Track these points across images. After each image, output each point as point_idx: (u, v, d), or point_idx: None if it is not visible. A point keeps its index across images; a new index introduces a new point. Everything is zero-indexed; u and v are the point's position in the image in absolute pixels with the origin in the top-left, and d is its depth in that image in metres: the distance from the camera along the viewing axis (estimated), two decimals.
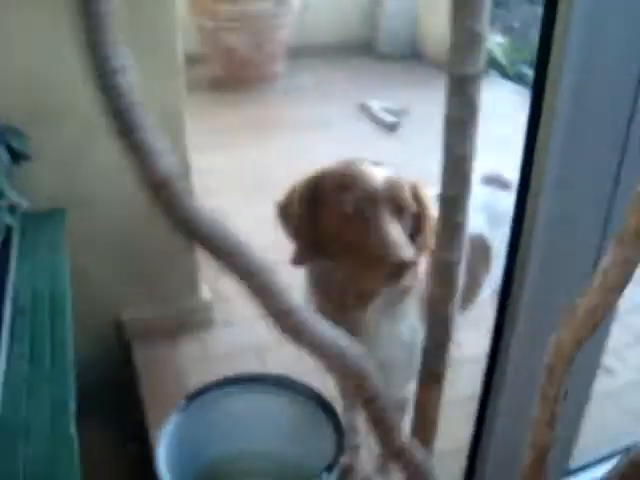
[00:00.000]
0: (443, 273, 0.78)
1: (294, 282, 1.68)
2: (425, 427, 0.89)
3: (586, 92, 0.92)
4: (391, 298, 1.42)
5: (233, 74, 5.51)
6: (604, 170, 1.04)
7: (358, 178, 1.32)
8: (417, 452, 0.74)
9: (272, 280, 0.57)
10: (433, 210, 1.35)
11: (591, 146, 1.01)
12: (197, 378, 2.17)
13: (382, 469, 1.83)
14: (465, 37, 0.62)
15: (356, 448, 1.92)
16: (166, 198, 0.48)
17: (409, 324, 1.47)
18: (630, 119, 1.00)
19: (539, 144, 0.98)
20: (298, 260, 1.41)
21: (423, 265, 1.39)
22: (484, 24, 0.63)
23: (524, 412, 0.85)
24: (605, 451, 1.56)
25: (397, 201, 1.30)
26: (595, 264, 1.11)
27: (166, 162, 0.47)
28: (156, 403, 2.09)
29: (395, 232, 1.25)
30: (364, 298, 1.40)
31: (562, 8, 0.84)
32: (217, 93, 5.51)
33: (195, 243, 0.52)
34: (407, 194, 1.33)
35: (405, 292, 1.41)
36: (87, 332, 2.21)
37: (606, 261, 0.59)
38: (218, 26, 5.26)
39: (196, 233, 0.51)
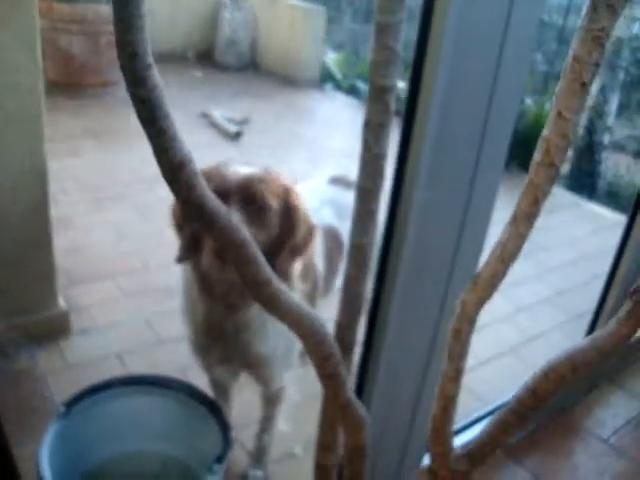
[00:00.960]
0: (358, 255, 0.89)
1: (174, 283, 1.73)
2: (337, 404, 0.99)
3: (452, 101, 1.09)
4: None
5: (70, 79, 5.31)
6: (463, 173, 1.22)
7: (216, 173, 1.37)
8: (360, 405, 0.84)
9: (256, 253, 0.65)
10: (304, 213, 1.43)
11: (453, 150, 1.18)
12: (59, 388, 2.13)
13: (257, 464, 1.90)
14: (386, 54, 0.74)
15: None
16: (184, 179, 0.54)
17: None
18: (483, 133, 1.18)
19: (413, 144, 1.12)
20: (181, 257, 1.44)
21: (298, 264, 1.50)
22: (399, 44, 0.75)
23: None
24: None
25: (250, 195, 1.33)
26: (454, 254, 1.29)
27: (184, 147, 0.54)
28: (19, 417, 2.01)
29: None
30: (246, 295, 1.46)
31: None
32: (53, 98, 5.26)
33: (201, 219, 0.59)
34: (268, 191, 1.35)
35: (290, 286, 1.49)
36: None
37: (503, 236, 0.74)
38: (53, 27, 5.05)
39: (204, 211, 0.57)
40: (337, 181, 2.12)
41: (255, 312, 1.47)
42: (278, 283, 0.69)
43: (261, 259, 0.66)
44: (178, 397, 1.61)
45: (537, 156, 0.68)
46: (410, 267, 1.18)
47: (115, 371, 2.27)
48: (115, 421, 1.61)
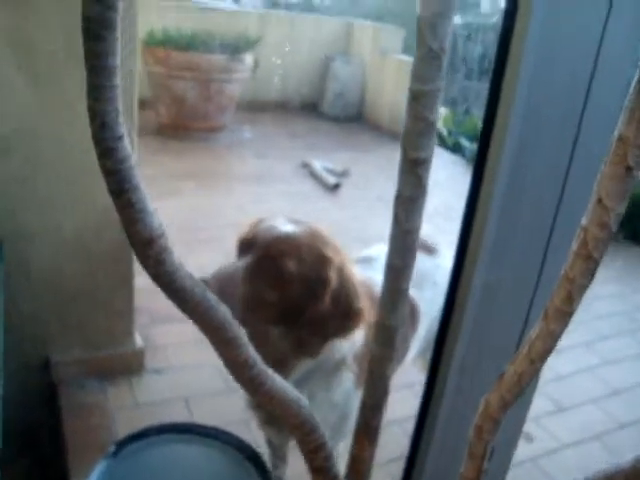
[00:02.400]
0: (384, 336, 0.83)
1: None
2: (359, 479, 0.93)
3: (522, 171, 1.02)
4: (326, 370, 1.46)
5: (180, 122, 5.57)
6: (535, 248, 1.14)
7: (252, 225, 1.36)
8: None
9: (237, 335, 0.61)
10: (347, 292, 1.35)
11: (523, 223, 1.10)
12: (125, 425, 2.16)
13: None
14: (420, 125, 0.70)
15: None
16: (153, 254, 0.51)
17: (343, 390, 1.50)
18: (559, 201, 1.10)
19: (477, 216, 1.06)
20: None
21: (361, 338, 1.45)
22: (437, 114, 0.70)
23: (451, 473, 0.90)
24: None
25: (270, 254, 1.29)
26: (521, 335, 1.20)
27: (154, 221, 0.51)
28: (80, 449, 2.04)
29: (228, 266, 1.27)
30: (280, 365, 1.38)
31: (505, 94, 0.94)
32: (162, 139, 5.55)
33: (172, 297, 0.56)
34: (292, 254, 1.29)
35: (340, 363, 1.46)
36: (13, 369, 2.18)
37: (532, 333, 0.66)
38: (169, 74, 5.33)
39: (174, 288, 0.55)
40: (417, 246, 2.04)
41: (298, 377, 1.42)
42: (262, 366, 0.64)
43: (243, 340, 0.62)
44: (225, 449, 1.58)
45: (574, 247, 0.61)
46: (464, 362, 1.10)
47: (180, 414, 2.28)
48: (162, 467, 1.59)
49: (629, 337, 3.39)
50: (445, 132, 6.68)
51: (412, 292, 1.80)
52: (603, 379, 2.93)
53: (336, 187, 4.92)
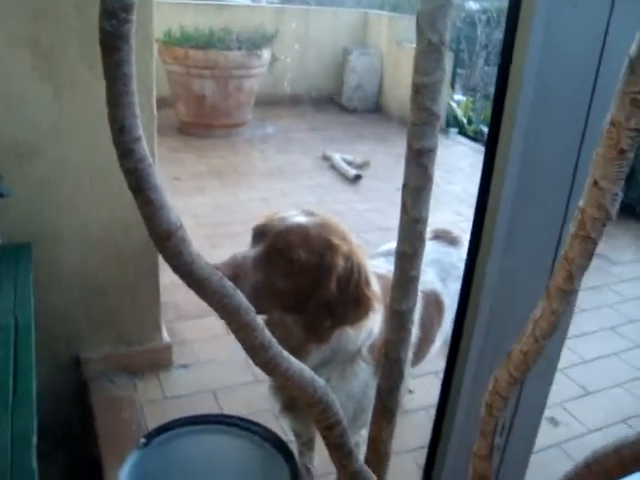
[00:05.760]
0: (397, 321, 0.86)
1: None
2: (378, 460, 0.96)
3: (533, 157, 1.04)
4: (342, 361, 1.49)
5: (200, 120, 5.62)
6: (549, 231, 1.15)
7: (267, 217, 1.40)
8: (371, 477, 0.81)
9: (252, 318, 0.64)
10: (358, 278, 1.37)
11: (537, 207, 1.12)
12: (154, 418, 2.21)
13: None
14: (424, 116, 0.72)
15: None
16: (172, 246, 0.55)
17: (361, 380, 1.52)
18: (572, 184, 1.11)
19: (490, 205, 1.08)
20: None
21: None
22: (440, 105, 0.73)
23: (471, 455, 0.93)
24: None
25: (279, 244, 1.33)
26: None
27: (172, 215, 0.55)
28: (112, 442, 2.10)
29: (239, 255, 1.31)
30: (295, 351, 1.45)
31: (512, 80, 0.97)
32: (184, 138, 5.61)
33: (191, 285, 0.60)
34: (301, 243, 1.33)
35: (356, 354, 1.48)
36: (46, 367, 2.24)
37: (536, 312, 0.69)
38: (187, 72, 5.38)
39: (193, 277, 0.58)
40: (440, 237, 2.03)
41: (315, 367, 1.44)
42: (278, 349, 0.67)
43: (258, 323, 0.65)
44: (253, 439, 1.62)
45: (572, 228, 0.63)
46: (482, 345, 1.13)
47: (208, 407, 2.32)
48: (191, 457, 1.64)
49: None
50: (465, 120, 6.65)
51: (437, 286, 1.83)
52: (630, 362, 2.91)
53: (357, 178, 4.95)
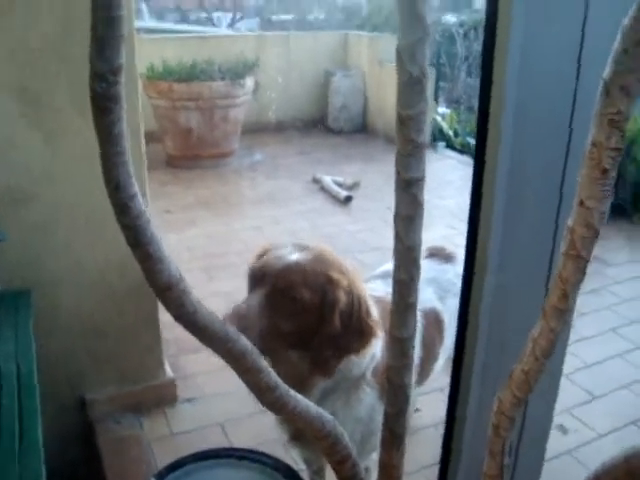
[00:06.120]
0: (398, 348, 0.87)
1: None
2: None
3: (520, 173, 1.05)
4: (346, 387, 1.49)
5: (188, 152, 5.65)
6: (542, 245, 1.17)
7: (261, 257, 1.41)
8: None
9: (257, 361, 0.65)
10: (359, 309, 1.38)
11: (528, 222, 1.13)
12: (163, 456, 2.19)
13: None
14: (409, 148, 0.74)
15: None
16: (173, 298, 0.56)
17: (367, 404, 1.53)
18: (560, 198, 1.13)
19: (482, 223, 1.10)
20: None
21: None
22: (425, 135, 0.75)
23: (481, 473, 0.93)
24: None
25: (282, 284, 1.33)
26: None
27: (172, 267, 0.56)
28: None
29: (243, 303, 1.31)
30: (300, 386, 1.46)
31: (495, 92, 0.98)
32: (172, 170, 5.63)
33: (194, 334, 0.61)
34: (303, 282, 1.33)
35: (360, 379, 1.49)
36: (51, 411, 2.23)
37: (534, 332, 0.70)
38: (172, 105, 5.42)
39: (196, 326, 0.59)
40: (435, 254, 2.04)
41: (320, 397, 1.45)
42: (284, 389, 0.68)
43: (263, 365, 0.66)
44: (265, 471, 1.61)
45: (563, 247, 0.65)
46: (484, 360, 1.14)
47: (217, 440, 2.31)
48: None
49: None
50: (451, 133, 6.70)
51: (436, 305, 1.84)
52: (634, 363, 2.92)
53: (348, 200, 4.97)
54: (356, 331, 1.38)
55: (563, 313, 0.66)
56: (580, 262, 0.64)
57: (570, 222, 0.64)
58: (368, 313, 1.39)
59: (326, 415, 0.76)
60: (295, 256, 1.38)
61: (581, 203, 0.62)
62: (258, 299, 1.31)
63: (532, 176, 1.11)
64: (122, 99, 0.51)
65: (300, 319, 1.34)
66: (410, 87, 0.72)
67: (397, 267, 0.83)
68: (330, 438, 0.75)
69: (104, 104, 0.50)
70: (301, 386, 1.43)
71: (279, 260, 1.37)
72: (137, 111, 2.09)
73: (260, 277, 1.36)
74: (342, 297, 1.35)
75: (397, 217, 0.80)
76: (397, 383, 0.89)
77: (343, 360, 1.41)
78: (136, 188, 0.54)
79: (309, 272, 1.35)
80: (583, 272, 0.64)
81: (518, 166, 1.06)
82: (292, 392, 0.71)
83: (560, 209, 1.13)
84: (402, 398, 0.91)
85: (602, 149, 0.60)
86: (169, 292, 0.56)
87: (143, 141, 2.15)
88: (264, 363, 0.67)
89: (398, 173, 0.76)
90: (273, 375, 0.68)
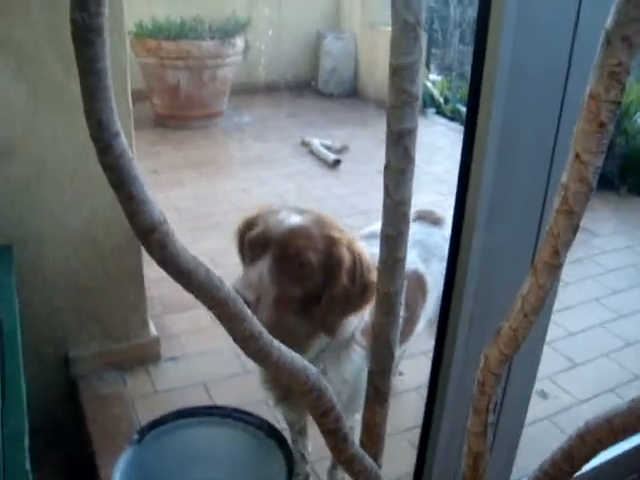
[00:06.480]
0: (386, 303, 0.86)
1: None
2: (373, 443, 0.97)
3: (513, 133, 1.04)
4: (337, 347, 1.49)
5: (176, 112, 5.57)
6: (531, 207, 1.16)
7: (262, 219, 1.38)
8: (367, 460, 0.81)
9: (241, 309, 0.64)
10: (361, 268, 1.38)
11: (519, 184, 1.12)
12: (146, 413, 2.20)
13: None
14: (402, 97, 0.72)
15: (306, 476, 1.98)
16: (156, 241, 0.55)
17: (354, 366, 1.53)
18: (552, 159, 1.11)
19: (471, 183, 1.08)
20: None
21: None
22: (419, 86, 0.73)
23: (464, 433, 0.93)
24: None
25: (288, 249, 1.31)
26: None
27: (154, 210, 0.54)
28: (104, 440, 2.09)
29: (252, 273, 1.28)
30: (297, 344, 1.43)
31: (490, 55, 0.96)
32: (160, 130, 5.56)
33: (178, 279, 0.59)
34: (309, 245, 1.32)
35: (350, 339, 1.49)
36: (34, 368, 2.23)
37: (523, 288, 0.69)
38: (161, 64, 5.32)
39: (179, 271, 0.58)
40: (423, 217, 2.04)
41: (312, 356, 1.45)
42: (268, 338, 0.67)
43: (247, 314, 0.65)
44: (247, 429, 1.62)
45: (555, 203, 0.63)
46: (470, 322, 1.13)
47: (200, 399, 2.32)
48: (186, 450, 1.64)
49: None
50: (442, 100, 6.65)
51: (419, 267, 1.84)
52: (615, 333, 2.95)
53: (337, 163, 4.94)
54: (362, 287, 1.37)
55: (553, 269, 0.65)
56: (572, 218, 0.62)
57: (564, 178, 0.62)
58: (369, 269, 1.38)
59: (311, 368, 0.75)
60: (297, 220, 1.36)
61: (577, 157, 0.60)
62: (267, 266, 1.29)
63: (524, 137, 1.10)
64: (105, 32, 0.48)
65: (309, 282, 1.33)
66: (404, 34, 0.70)
67: (385, 222, 0.82)
68: (315, 391, 0.74)
69: (86, 36, 0.47)
70: (298, 348, 1.44)
71: (281, 225, 1.34)
72: (125, 68, 2.05)
73: (264, 243, 1.33)
74: (346, 255, 1.34)
75: (387, 170, 0.78)
76: (383, 340, 0.89)
77: (347, 319, 1.43)
78: (119, 126, 0.52)
79: (313, 235, 1.34)
80: (575, 228, 0.63)
81: (510, 126, 1.05)
82: (276, 342, 0.70)
83: (551, 170, 1.12)
84: (387, 355, 0.91)
85: (600, 102, 0.58)
86: (152, 234, 0.54)
87: (130, 99, 2.11)
88: (248, 311, 0.66)
89: (389, 126, 0.75)
90: (257, 324, 0.67)
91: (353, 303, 1.39)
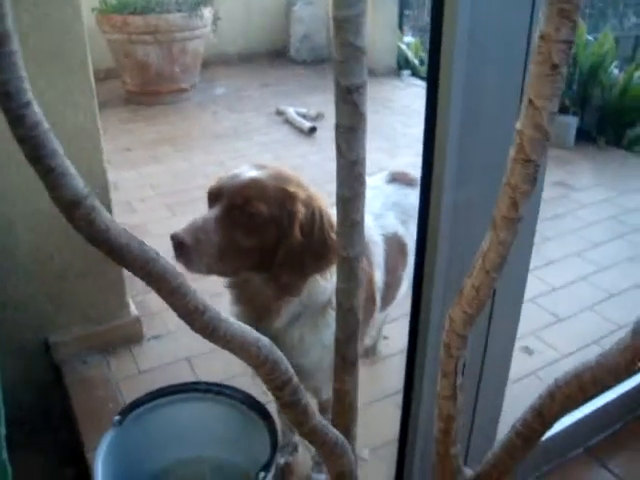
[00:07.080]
0: (346, 268, 0.84)
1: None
2: (345, 413, 0.95)
3: (477, 85, 1.01)
4: (313, 312, 1.48)
5: (147, 88, 5.47)
6: (499, 159, 1.13)
7: (222, 177, 1.37)
8: (331, 431, 0.79)
9: (182, 283, 0.61)
10: (320, 224, 1.36)
11: (486, 136, 1.09)
12: (131, 394, 2.18)
13: (320, 466, 1.87)
14: (348, 51, 0.68)
15: (294, 447, 1.97)
16: (81, 216, 0.51)
17: (333, 330, 1.51)
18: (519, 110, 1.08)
19: (438, 138, 1.05)
20: None
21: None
22: (364, 39, 0.69)
23: None
24: None
25: (238, 200, 1.30)
26: None
27: (77, 183, 0.51)
28: (90, 423, 2.08)
29: (197, 220, 1.27)
30: (267, 310, 1.45)
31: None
32: (132, 107, 5.46)
33: (109, 254, 0.56)
34: (260, 196, 1.31)
35: (326, 304, 1.47)
36: (15, 356, 2.20)
37: (484, 245, 0.66)
38: (129, 39, 5.21)
39: (110, 246, 0.54)
40: (397, 179, 2.01)
41: (288, 322, 1.44)
42: (214, 312, 0.64)
43: (189, 287, 0.62)
44: (232, 403, 1.61)
45: (511, 152, 0.60)
46: (445, 283, 1.11)
47: (184, 376, 2.30)
48: (170, 428, 1.63)
49: (621, 241, 3.40)
50: (417, 62, 6.58)
51: (399, 229, 1.82)
52: (598, 286, 2.95)
53: (312, 131, 4.89)
54: (320, 245, 1.35)
55: (513, 223, 0.62)
56: (529, 167, 0.59)
57: (518, 125, 0.59)
58: (332, 227, 1.35)
59: (263, 339, 0.72)
60: (251, 173, 1.34)
61: (530, 102, 0.57)
62: (214, 214, 1.28)
63: (489, 87, 1.06)
64: None
65: (259, 235, 1.31)
66: None
67: (340, 184, 0.79)
68: (268, 363, 0.71)
69: None
70: (268, 312, 1.43)
71: (236, 178, 1.34)
72: (83, 42, 1.98)
73: (217, 196, 1.32)
74: (300, 209, 1.32)
75: (338, 129, 0.75)
76: (346, 307, 0.86)
77: (309, 279, 1.40)
78: (30, 95, 0.48)
79: (266, 187, 1.32)
80: (534, 178, 0.60)
81: (474, 75, 1.01)
82: (223, 315, 0.67)
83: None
84: (352, 322, 0.88)
85: (551, 42, 0.55)
86: (77, 209, 0.51)
87: (91, 74, 2.05)
88: (189, 285, 0.63)
89: (337, 81, 0.71)
90: (200, 298, 0.64)
91: (312, 261, 1.36)
